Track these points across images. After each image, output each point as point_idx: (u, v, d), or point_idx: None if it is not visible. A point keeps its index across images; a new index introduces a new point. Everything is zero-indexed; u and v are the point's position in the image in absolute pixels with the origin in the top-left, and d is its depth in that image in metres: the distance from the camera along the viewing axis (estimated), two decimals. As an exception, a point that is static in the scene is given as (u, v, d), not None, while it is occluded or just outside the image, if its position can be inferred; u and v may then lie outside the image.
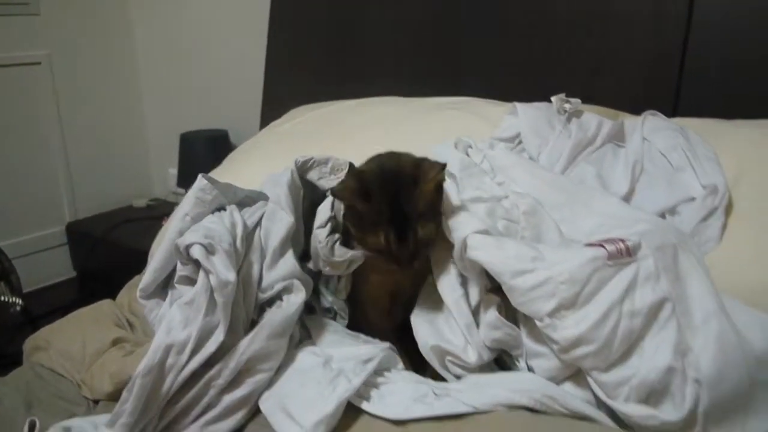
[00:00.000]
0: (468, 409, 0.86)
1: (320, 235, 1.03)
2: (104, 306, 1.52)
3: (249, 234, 1.03)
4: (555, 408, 0.85)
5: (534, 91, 1.40)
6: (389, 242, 0.94)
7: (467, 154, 1.16)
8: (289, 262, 1.03)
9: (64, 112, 2.70)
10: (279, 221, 1.05)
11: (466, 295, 0.96)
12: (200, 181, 1.06)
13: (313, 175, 1.15)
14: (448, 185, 1.00)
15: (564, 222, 1.02)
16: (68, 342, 1.34)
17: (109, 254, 2.59)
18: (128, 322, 1.43)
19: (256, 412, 0.95)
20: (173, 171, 2.86)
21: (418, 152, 1.30)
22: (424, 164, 0.97)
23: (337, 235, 1.03)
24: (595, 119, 1.27)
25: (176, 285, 1.01)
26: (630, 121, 1.29)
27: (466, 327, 0.93)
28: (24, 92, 2.58)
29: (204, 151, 2.54)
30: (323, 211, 1.06)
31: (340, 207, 1.02)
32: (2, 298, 2.07)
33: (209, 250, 0.94)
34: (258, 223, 1.06)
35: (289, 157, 1.46)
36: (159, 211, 2.75)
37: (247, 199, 1.12)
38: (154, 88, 2.94)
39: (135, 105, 2.96)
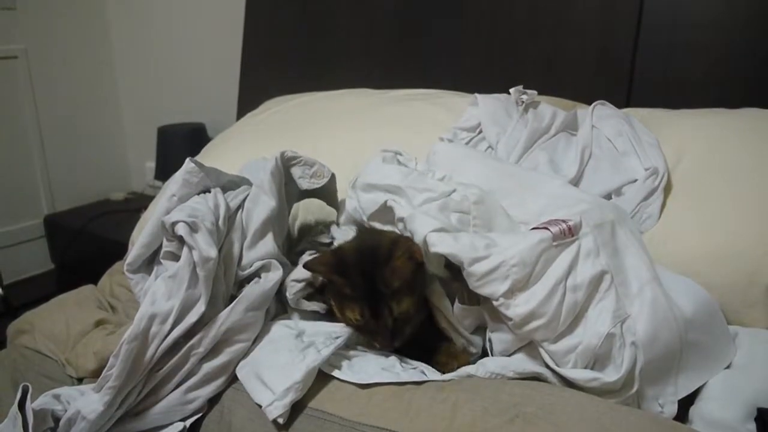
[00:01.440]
0: (431, 377, 0.94)
1: (292, 288, 1.10)
2: (86, 290, 1.57)
3: (231, 215, 1.10)
4: (506, 374, 0.93)
5: (496, 84, 1.48)
6: (364, 318, 0.99)
7: (399, 163, 1.21)
8: (268, 243, 1.11)
9: (41, 105, 2.74)
10: (261, 204, 1.13)
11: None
12: (188, 164, 1.13)
13: (295, 172, 1.22)
14: (395, 203, 1.05)
15: (514, 206, 1.10)
16: (52, 324, 1.38)
17: (87, 246, 2.62)
18: (110, 305, 1.49)
19: (233, 379, 1.02)
20: (151, 165, 2.91)
21: (386, 142, 1.38)
22: (400, 240, 1.01)
23: (306, 290, 1.10)
24: (549, 109, 1.35)
25: (162, 260, 1.07)
26: (582, 110, 1.38)
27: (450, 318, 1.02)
28: (1, 86, 2.61)
29: (181, 144, 2.58)
30: (302, 271, 1.10)
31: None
32: (-20, 288, 2.11)
33: (193, 227, 1.00)
34: (240, 206, 1.13)
35: (264, 146, 1.53)
36: (137, 204, 2.78)
37: (230, 184, 1.19)
38: (131, 82, 2.98)
39: (112, 99, 3.00)
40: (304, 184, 1.21)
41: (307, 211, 1.34)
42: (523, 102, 1.35)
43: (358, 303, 0.99)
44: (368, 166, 1.16)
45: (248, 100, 2.15)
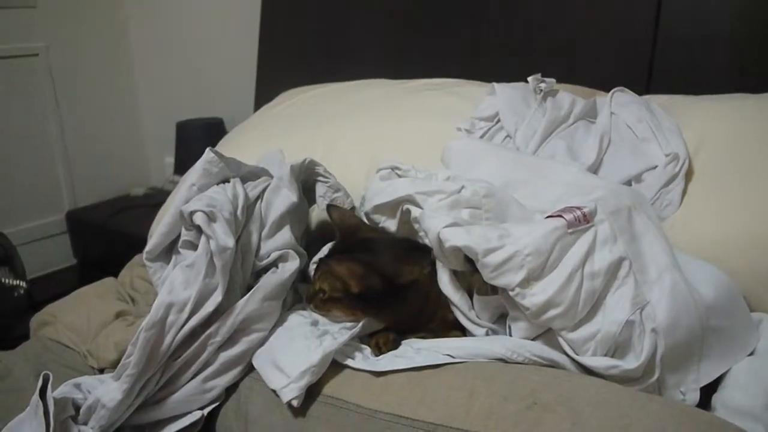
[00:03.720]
0: (446, 359, 0.93)
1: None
2: (107, 283, 1.60)
3: (250, 205, 1.11)
4: (527, 356, 0.92)
5: (513, 74, 1.47)
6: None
7: (398, 176, 1.19)
8: (286, 234, 1.11)
9: (61, 102, 2.76)
10: (281, 197, 1.13)
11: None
12: (208, 153, 1.13)
13: (319, 188, 1.23)
14: (414, 210, 1.06)
15: (529, 196, 1.08)
16: (74, 316, 1.41)
17: (108, 241, 2.64)
18: (130, 297, 1.51)
19: (250, 368, 1.02)
20: (170, 160, 2.93)
21: (404, 132, 1.38)
22: (358, 266, 1.00)
23: None
24: (568, 98, 1.34)
25: (180, 249, 1.08)
26: (601, 98, 1.37)
27: (467, 313, 1.02)
28: (22, 84, 2.64)
29: (200, 139, 2.59)
30: (324, 251, 1.14)
31: None
32: (6, 282, 2.13)
33: (211, 217, 1.01)
34: (260, 196, 1.14)
35: (281, 138, 1.54)
36: (156, 200, 2.79)
37: (249, 174, 1.19)
38: (150, 77, 3.00)
39: (130, 95, 3.02)
40: (322, 204, 1.22)
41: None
42: (541, 90, 1.33)
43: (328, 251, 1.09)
44: (369, 189, 1.16)
45: (265, 94, 2.15)
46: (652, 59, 1.56)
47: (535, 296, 0.91)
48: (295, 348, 0.97)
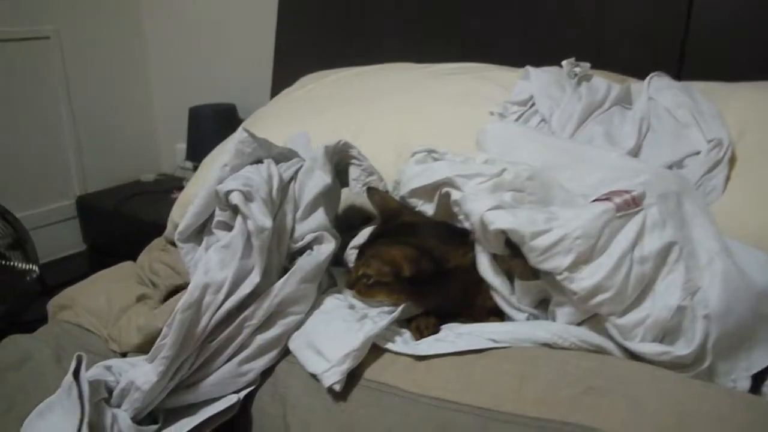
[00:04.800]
0: (488, 344, 0.91)
1: (351, 255, 1.11)
2: (125, 267, 1.58)
3: (284, 186, 1.08)
4: (573, 341, 0.90)
5: (539, 57, 1.45)
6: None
7: (434, 159, 1.17)
8: (320, 216, 1.09)
9: (73, 86, 2.73)
10: (315, 178, 1.11)
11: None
12: (241, 133, 1.11)
13: (353, 171, 1.20)
14: (454, 193, 1.03)
15: (570, 180, 1.06)
16: (94, 299, 1.39)
17: (119, 227, 2.63)
18: (150, 281, 1.49)
19: (286, 352, 1.00)
20: (181, 146, 2.90)
21: (434, 117, 1.35)
22: (406, 246, 0.99)
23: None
24: (604, 83, 1.32)
25: (213, 230, 1.05)
26: (636, 84, 1.34)
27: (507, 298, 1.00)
28: (33, 67, 2.61)
29: (212, 125, 2.57)
30: (363, 235, 1.12)
31: None
32: (18, 266, 2.11)
33: (248, 197, 0.98)
34: (293, 178, 1.11)
35: (304, 122, 1.51)
36: (167, 186, 2.79)
37: (279, 156, 1.16)
38: (162, 62, 2.96)
39: (143, 80, 2.99)
40: (355, 188, 1.19)
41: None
42: (575, 75, 1.31)
43: (370, 236, 1.05)
44: (404, 173, 1.13)
45: (282, 79, 2.12)
46: (684, 46, 1.53)
47: (584, 280, 0.89)
48: (335, 331, 0.95)
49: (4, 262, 2.06)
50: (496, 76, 1.47)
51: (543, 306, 1.01)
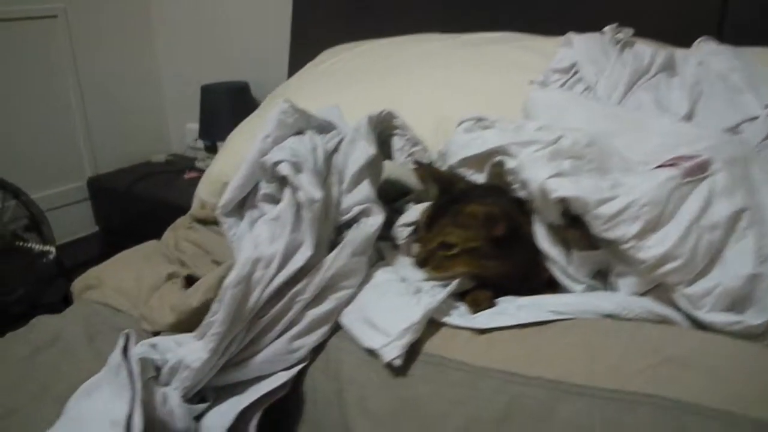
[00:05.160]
0: (550, 316, 0.89)
1: (402, 232, 1.08)
2: (151, 245, 1.55)
3: (327, 158, 1.05)
4: (638, 312, 0.88)
5: (570, 26, 1.40)
6: (422, 223, 0.98)
7: (483, 129, 1.13)
8: (366, 187, 1.05)
9: (81, 65, 2.68)
10: (359, 149, 1.07)
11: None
12: (283, 104, 1.07)
13: (396, 142, 1.18)
14: (509, 161, 1.00)
15: (625, 148, 1.03)
16: (122, 279, 1.36)
17: (131, 208, 2.60)
18: (178, 260, 1.46)
19: (336, 328, 0.98)
20: (191, 126, 2.86)
21: (473, 88, 1.31)
22: (494, 208, 0.96)
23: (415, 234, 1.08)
24: (649, 48, 1.28)
25: (259, 203, 1.02)
26: (680, 51, 1.31)
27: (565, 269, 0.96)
28: (40, 47, 2.55)
29: (225, 103, 2.53)
30: (414, 212, 1.09)
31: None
32: (35, 248, 2.08)
33: (296, 167, 0.95)
34: (336, 149, 1.08)
35: (336, 93, 1.47)
36: (178, 166, 2.76)
37: (318, 128, 1.13)
38: (171, 40, 2.91)
39: (152, 58, 2.94)
40: (400, 158, 1.16)
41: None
42: (618, 41, 1.27)
43: (430, 208, 1.00)
44: (453, 142, 1.09)
45: (300, 55, 2.09)
46: (723, 14, 1.49)
47: (651, 249, 0.86)
48: (391, 305, 0.92)
49: (21, 244, 2.03)
50: (534, 44, 1.43)
51: (600, 277, 0.99)
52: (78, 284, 1.43)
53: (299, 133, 1.08)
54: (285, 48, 2.33)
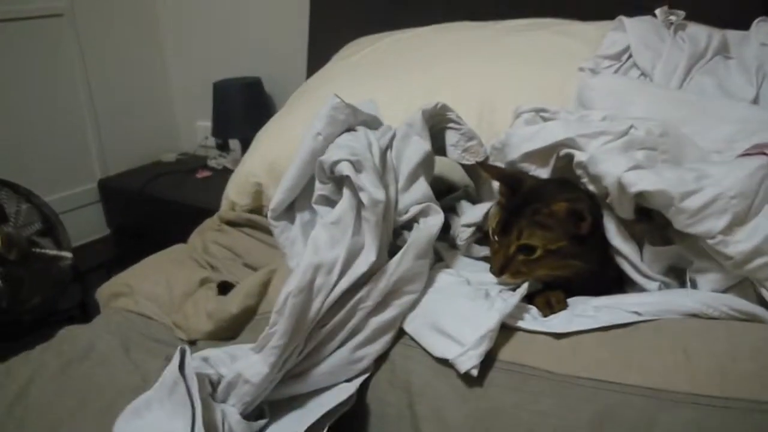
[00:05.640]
0: (633, 318, 0.83)
1: (463, 233, 1.03)
2: (178, 249, 1.49)
3: (382, 155, 0.99)
4: (724, 310, 0.83)
5: (604, 10, 1.35)
6: (498, 227, 0.92)
7: (544, 120, 1.08)
8: (422, 186, 1.00)
9: (89, 65, 2.61)
10: (413, 145, 1.02)
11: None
12: (333, 99, 1.01)
13: (450, 137, 1.10)
14: (579, 154, 0.94)
15: (696, 135, 0.98)
16: (153, 285, 1.31)
17: (144, 209, 2.53)
18: (209, 264, 1.40)
19: (399, 335, 0.92)
20: (202, 123, 2.80)
21: (519, 75, 1.25)
22: (578, 200, 0.91)
23: (476, 235, 1.04)
24: (704, 30, 1.23)
25: (314, 205, 0.96)
26: (733, 32, 1.25)
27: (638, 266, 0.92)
28: (46, 46, 2.48)
29: (237, 99, 2.47)
30: (476, 211, 1.04)
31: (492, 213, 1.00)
32: (50, 253, 2.01)
33: (357, 167, 0.89)
34: (389, 146, 1.02)
35: (369, 87, 1.41)
36: (190, 165, 2.70)
37: (364, 124, 1.07)
38: (179, 37, 2.84)
39: (160, 55, 2.87)
40: (454, 154, 1.09)
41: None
42: (671, 23, 1.22)
43: (501, 211, 0.94)
44: (513, 135, 1.01)
45: (319, 49, 2.02)
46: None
47: (740, 244, 0.81)
48: (461, 311, 0.87)
49: (37, 250, 1.96)
50: (575, 30, 1.37)
51: (671, 273, 0.94)
52: (104, 291, 1.38)
53: (349, 129, 1.02)
54: (298, 42, 2.27)
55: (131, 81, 2.78)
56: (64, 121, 2.58)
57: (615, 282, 0.97)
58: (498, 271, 0.91)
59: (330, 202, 0.95)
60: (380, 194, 0.88)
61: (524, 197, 0.92)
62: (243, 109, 2.48)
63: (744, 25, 1.29)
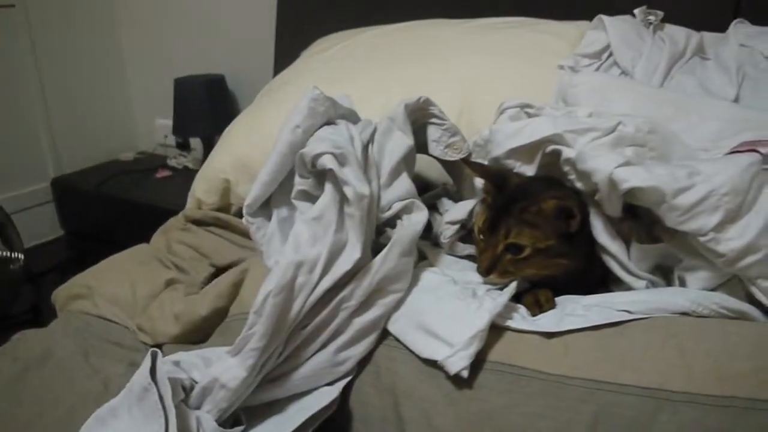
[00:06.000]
0: (624, 316, 0.82)
1: (447, 231, 1.00)
2: (141, 250, 1.43)
3: (364, 149, 0.95)
4: (714, 309, 0.82)
5: (578, 10, 1.34)
6: (484, 227, 0.90)
7: (528, 116, 1.06)
8: (405, 182, 0.97)
9: (41, 58, 2.50)
10: (395, 139, 0.98)
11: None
12: (313, 91, 0.97)
13: (432, 132, 1.06)
14: (567, 151, 0.92)
15: (682, 133, 0.98)
16: (115, 287, 1.25)
17: (100, 210, 2.44)
18: (174, 264, 1.34)
19: (382, 336, 0.88)
20: (161, 122, 2.72)
21: (499, 72, 1.24)
22: (565, 196, 0.90)
23: (460, 233, 1.01)
24: (682, 31, 1.23)
25: (293, 201, 0.92)
26: (710, 34, 1.26)
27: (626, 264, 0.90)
28: (-1, 38, 2.38)
29: (200, 97, 2.39)
30: (460, 209, 1.01)
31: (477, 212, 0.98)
32: (2, 254, 1.91)
33: (340, 160, 0.85)
34: (370, 140, 0.98)
35: (342, 82, 1.37)
36: (148, 165, 2.61)
37: (343, 117, 1.03)
38: (137, 32, 2.74)
39: (117, 50, 2.77)
40: (436, 150, 1.05)
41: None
42: (650, 23, 1.22)
43: (487, 210, 0.91)
44: (497, 131, 0.98)
45: (287, 45, 1.97)
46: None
47: (732, 241, 0.80)
48: (450, 311, 0.84)
49: (-15, 251, 1.86)
50: (553, 28, 1.36)
51: (658, 272, 0.93)
52: (61, 294, 1.31)
53: (328, 123, 0.98)
54: (263, 39, 2.22)
55: (87, 76, 2.67)
56: (14, 117, 2.46)
57: (600, 281, 0.96)
58: (485, 271, 0.88)
59: (310, 197, 0.90)
60: (365, 188, 0.84)
61: (510, 195, 0.89)
62: (205, 106, 2.41)
63: (711, 27, 1.30)
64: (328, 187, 0.86)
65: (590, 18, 1.36)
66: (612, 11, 1.31)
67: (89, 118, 2.70)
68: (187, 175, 2.47)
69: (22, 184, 2.52)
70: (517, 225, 0.86)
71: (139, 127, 2.88)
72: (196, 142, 2.60)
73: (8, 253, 1.93)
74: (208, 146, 2.45)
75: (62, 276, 2.13)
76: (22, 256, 1.95)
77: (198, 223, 1.46)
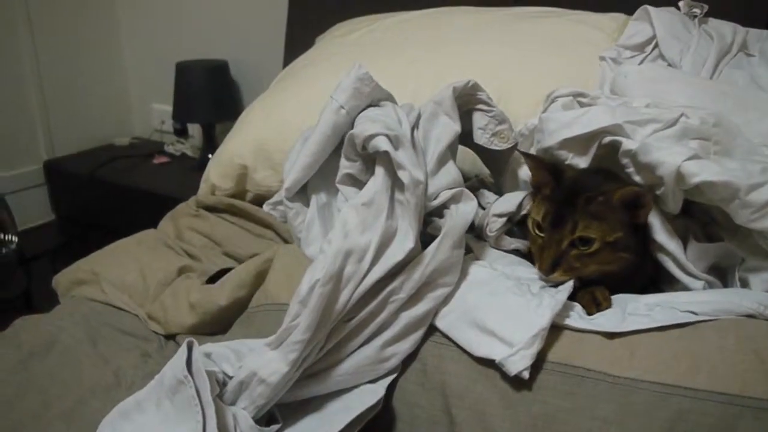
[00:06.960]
0: (689, 317, 0.77)
1: (494, 224, 0.94)
2: (149, 235, 1.37)
3: (411, 134, 0.90)
4: None
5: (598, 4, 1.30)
6: (545, 222, 0.84)
7: (581, 105, 1.01)
8: (452, 169, 0.91)
9: (37, 37, 2.41)
10: (442, 125, 0.93)
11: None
12: (359, 69, 0.91)
13: (478, 119, 1.00)
14: (627, 142, 0.87)
15: (741, 128, 0.94)
16: (123, 273, 1.19)
17: (95, 195, 2.37)
18: (185, 251, 1.28)
19: (428, 332, 0.83)
20: (158, 107, 2.64)
21: (537, 62, 1.19)
22: (632, 186, 0.85)
23: (507, 226, 0.95)
24: (729, 25, 1.19)
25: (338, 185, 0.86)
26: (754, 30, 1.22)
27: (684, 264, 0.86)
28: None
29: (201, 82, 2.32)
30: (509, 201, 0.95)
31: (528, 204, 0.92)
32: (-6, 237, 1.84)
33: (395, 143, 0.80)
34: (415, 125, 0.93)
35: (371, 68, 1.31)
36: (144, 150, 2.55)
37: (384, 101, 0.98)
38: (135, 13, 2.65)
39: (114, 34, 2.68)
40: (482, 138, 0.99)
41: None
42: (695, 16, 1.18)
43: (547, 203, 0.85)
44: (549, 120, 0.93)
45: (299, 31, 1.91)
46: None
47: (806, 242, 0.76)
48: (507, 307, 0.78)
49: (-22, 233, 1.78)
50: (587, 19, 1.32)
51: (714, 272, 0.89)
52: (64, 278, 1.24)
53: (371, 105, 0.93)
54: (269, 25, 2.17)
55: (83, 57, 2.59)
56: (7, 97, 2.38)
57: (649, 281, 0.92)
58: (549, 269, 0.83)
59: (356, 182, 0.85)
60: (420, 174, 0.79)
61: (569, 188, 0.84)
62: (206, 93, 2.34)
63: (749, 22, 1.26)
64: (380, 171, 0.81)
65: (623, 10, 1.33)
66: (650, 3, 1.27)
67: (84, 101, 2.61)
68: (186, 162, 2.41)
69: (14, 166, 2.43)
70: (584, 218, 0.81)
71: (135, 112, 2.79)
72: (194, 128, 2.52)
73: (2, 236, 1.85)
74: (208, 133, 2.38)
75: (52, 262, 2.05)
76: (16, 239, 1.87)
77: (211, 209, 1.40)
